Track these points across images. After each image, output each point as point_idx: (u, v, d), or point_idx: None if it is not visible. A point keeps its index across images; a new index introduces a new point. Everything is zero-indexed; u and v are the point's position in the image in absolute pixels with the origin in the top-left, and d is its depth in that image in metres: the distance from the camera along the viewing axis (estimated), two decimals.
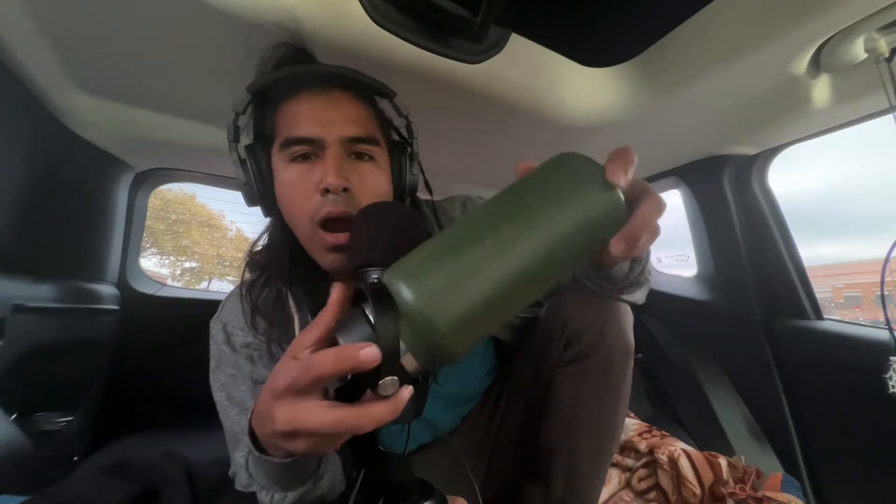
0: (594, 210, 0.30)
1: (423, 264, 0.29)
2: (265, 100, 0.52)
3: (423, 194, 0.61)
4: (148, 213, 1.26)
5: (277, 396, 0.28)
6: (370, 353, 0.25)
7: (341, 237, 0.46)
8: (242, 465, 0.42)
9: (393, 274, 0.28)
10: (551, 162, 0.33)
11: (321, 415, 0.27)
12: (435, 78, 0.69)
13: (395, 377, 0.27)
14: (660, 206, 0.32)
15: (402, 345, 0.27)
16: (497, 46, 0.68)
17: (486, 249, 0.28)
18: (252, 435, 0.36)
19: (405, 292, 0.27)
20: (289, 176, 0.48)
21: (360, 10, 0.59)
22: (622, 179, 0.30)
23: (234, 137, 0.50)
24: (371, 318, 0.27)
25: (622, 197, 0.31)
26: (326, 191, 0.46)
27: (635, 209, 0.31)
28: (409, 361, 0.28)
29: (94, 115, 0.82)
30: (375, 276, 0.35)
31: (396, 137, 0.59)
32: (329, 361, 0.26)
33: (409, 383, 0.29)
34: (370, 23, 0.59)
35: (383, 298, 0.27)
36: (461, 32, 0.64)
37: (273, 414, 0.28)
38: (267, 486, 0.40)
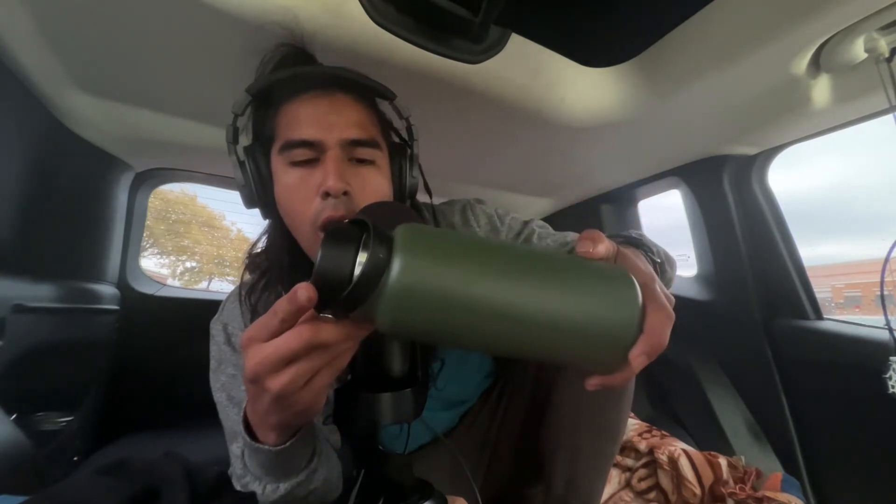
0: (609, 336, 0.29)
1: (431, 246, 0.28)
2: (265, 101, 0.52)
3: (422, 196, 0.61)
4: (149, 214, 1.26)
5: (246, 347, 0.29)
6: (303, 295, 0.26)
7: None
8: (238, 456, 0.42)
9: (402, 234, 0.28)
10: (606, 266, 0.32)
11: (277, 341, 0.28)
12: (435, 78, 0.69)
13: (330, 316, 0.28)
14: (669, 317, 0.31)
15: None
16: (497, 46, 0.68)
17: (486, 272, 0.28)
18: (247, 425, 0.37)
19: (396, 257, 0.26)
20: (288, 179, 0.48)
21: (360, 10, 0.59)
22: (657, 332, 0.29)
23: (233, 139, 0.50)
24: (359, 252, 0.26)
25: (639, 311, 0.30)
26: (327, 194, 0.46)
27: (645, 319, 0.30)
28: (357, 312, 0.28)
29: (94, 115, 0.82)
30: None
31: (397, 139, 0.58)
32: (283, 303, 0.27)
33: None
34: (370, 23, 0.59)
35: (381, 246, 0.26)
36: (461, 32, 0.64)
37: (244, 366, 0.29)
38: (260, 476, 0.41)
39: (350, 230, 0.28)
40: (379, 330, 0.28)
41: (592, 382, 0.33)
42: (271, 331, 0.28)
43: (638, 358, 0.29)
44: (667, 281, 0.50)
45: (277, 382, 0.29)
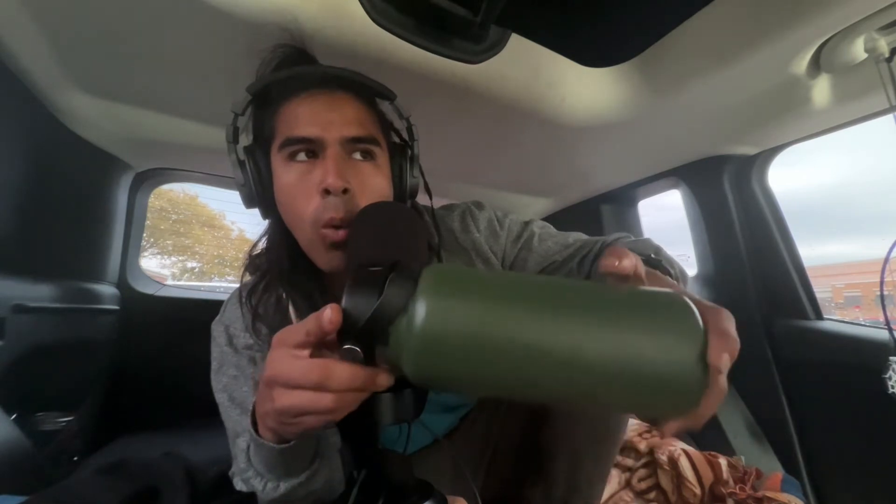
0: (672, 372, 0.25)
1: (462, 288, 0.27)
2: (265, 101, 0.51)
3: (421, 198, 0.60)
4: (152, 213, 1.26)
5: (273, 348, 0.31)
6: (325, 314, 0.28)
7: (341, 233, 0.46)
8: (244, 450, 0.43)
9: (429, 274, 0.28)
10: (658, 292, 0.28)
11: (296, 363, 0.29)
12: (435, 78, 0.69)
13: (357, 349, 0.28)
14: (723, 394, 0.27)
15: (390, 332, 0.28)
16: (497, 46, 0.68)
17: (529, 318, 0.25)
18: (255, 421, 0.38)
19: (423, 297, 0.26)
20: (288, 176, 0.48)
21: (360, 10, 0.59)
22: (718, 367, 0.25)
23: (233, 138, 0.49)
24: (380, 294, 0.28)
25: (704, 387, 0.25)
26: (326, 191, 0.45)
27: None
28: (383, 356, 0.29)
29: (94, 115, 0.82)
30: None
31: (397, 140, 0.58)
32: (311, 318, 0.29)
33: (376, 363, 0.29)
34: (370, 23, 0.59)
35: (403, 284, 0.27)
36: (461, 32, 0.64)
37: (266, 364, 0.31)
38: (262, 473, 0.41)
39: (381, 275, 0.29)
40: (409, 379, 0.28)
41: (667, 431, 0.28)
42: (297, 341, 0.30)
43: (709, 405, 0.26)
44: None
45: (281, 401, 0.30)
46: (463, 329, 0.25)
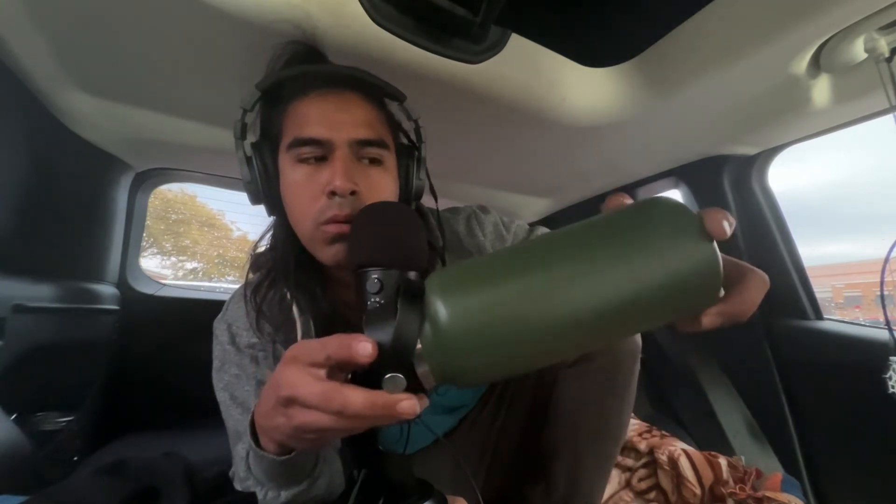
0: (685, 262, 0.26)
1: (467, 280, 0.28)
2: (274, 98, 0.51)
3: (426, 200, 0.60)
4: (149, 214, 1.26)
5: (287, 363, 0.30)
6: (363, 347, 0.26)
7: (343, 227, 0.46)
8: (243, 458, 0.43)
9: (434, 281, 0.28)
10: (640, 203, 0.29)
11: (316, 386, 0.28)
12: (435, 78, 0.69)
13: (400, 375, 0.27)
14: (766, 285, 0.30)
15: (420, 352, 0.27)
16: (497, 46, 0.68)
17: (538, 283, 0.26)
18: (254, 431, 0.37)
19: (437, 303, 0.27)
20: (295, 176, 0.48)
21: (360, 11, 0.59)
22: (722, 231, 0.26)
23: (241, 135, 0.49)
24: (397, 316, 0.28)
25: (719, 254, 0.26)
26: (333, 193, 0.45)
27: (739, 287, 0.30)
28: (424, 372, 0.28)
29: (94, 115, 0.82)
30: (376, 276, 0.35)
31: (405, 141, 0.58)
32: (335, 343, 0.28)
33: (419, 391, 0.28)
34: (370, 23, 0.59)
35: (413, 302, 0.27)
36: (461, 32, 0.64)
37: (278, 379, 0.30)
38: (263, 482, 0.41)
39: (386, 308, 0.29)
40: (458, 385, 0.29)
41: (709, 322, 0.29)
42: (315, 360, 0.28)
43: (752, 291, 0.30)
44: None
45: (301, 419, 0.29)
46: (485, 315, 0.26)
